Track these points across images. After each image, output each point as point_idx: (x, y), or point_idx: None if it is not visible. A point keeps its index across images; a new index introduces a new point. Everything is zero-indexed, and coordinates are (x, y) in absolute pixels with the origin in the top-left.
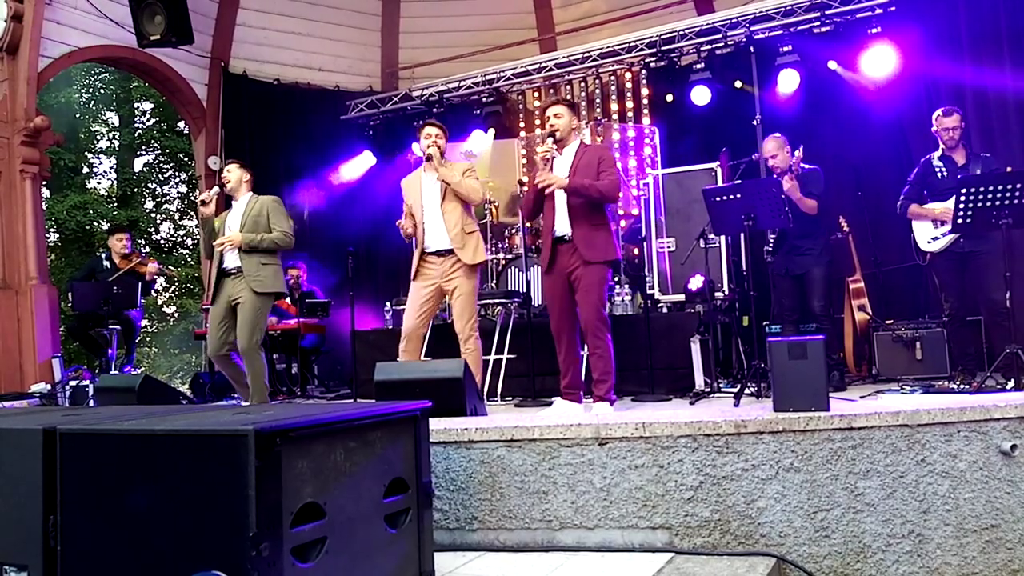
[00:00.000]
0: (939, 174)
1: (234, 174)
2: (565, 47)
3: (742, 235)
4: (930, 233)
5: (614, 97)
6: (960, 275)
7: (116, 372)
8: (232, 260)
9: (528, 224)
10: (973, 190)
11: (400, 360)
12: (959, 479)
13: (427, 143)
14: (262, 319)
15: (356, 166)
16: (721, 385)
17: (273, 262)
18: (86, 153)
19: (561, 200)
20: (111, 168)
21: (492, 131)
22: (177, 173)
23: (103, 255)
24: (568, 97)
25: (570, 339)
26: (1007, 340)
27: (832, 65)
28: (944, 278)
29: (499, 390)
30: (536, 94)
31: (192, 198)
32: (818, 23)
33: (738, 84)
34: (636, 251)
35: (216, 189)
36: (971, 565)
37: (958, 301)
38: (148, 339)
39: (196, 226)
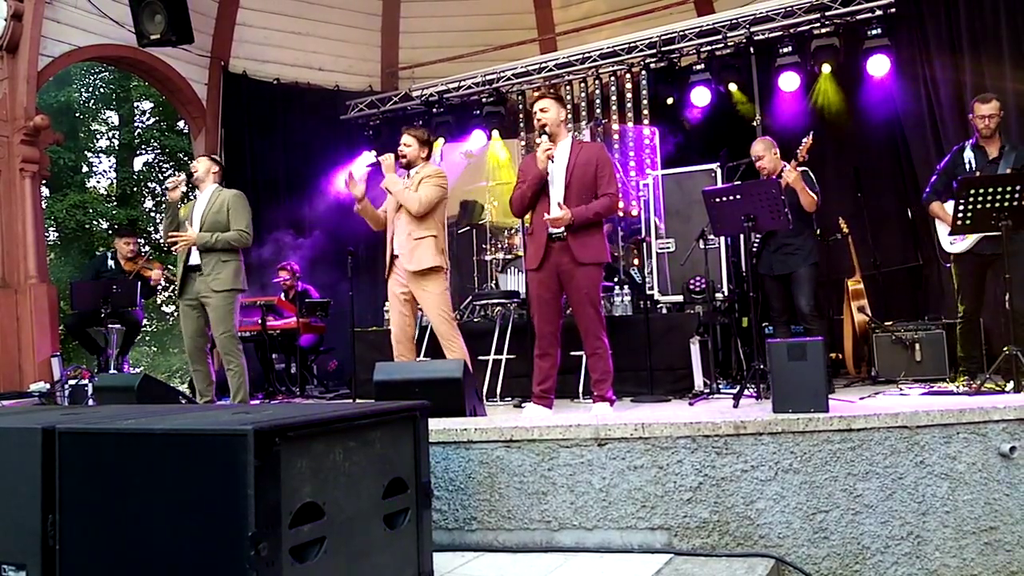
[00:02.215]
0: (968, 166)
1: (202, 164)
2: (565, 47)
3: (742, 236)
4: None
5: (614, 98)
6: (980, 277)
7: (115, 371)
8: (195, 257)
9: (527, 224)
10: (973, 191)
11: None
12: (958, 481)
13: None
14: (231, 314)
15: (356, 166)
16: (720, 386)
17: (233, 259)
18: (86, 152)
19: (556, 198)
20: (111, 167)
21: (496, 132)
22: (177, 172)
23: (108, 255)
24: (567, 95)
25: (553, 340)
26: (1010, 342)
27: (825, 69)
28: (963, 280)
29: (499, 390)
30: (536, 94)
31: (191, 196)
32: (818, 24)
33: (732, 87)
34: (635, 251)
35: (183, 176)
36: (970, 567)
37: (973, 303)
38: (148, 339)
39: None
